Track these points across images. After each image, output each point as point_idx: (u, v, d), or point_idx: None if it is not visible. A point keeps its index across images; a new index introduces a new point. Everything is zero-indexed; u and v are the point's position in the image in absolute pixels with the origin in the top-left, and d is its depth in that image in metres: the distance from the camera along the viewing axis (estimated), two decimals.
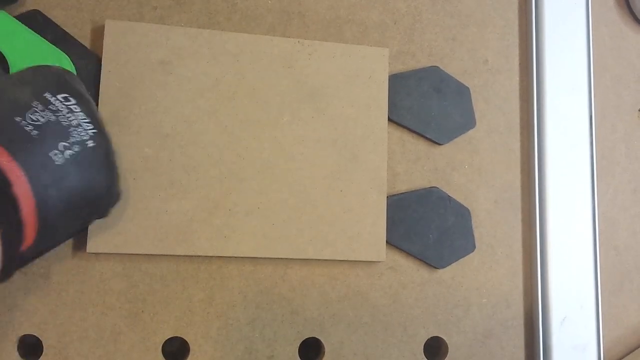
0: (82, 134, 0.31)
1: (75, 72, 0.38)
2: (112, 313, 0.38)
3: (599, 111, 0.48)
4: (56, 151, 0.30)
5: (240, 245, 0.39)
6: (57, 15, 0.40)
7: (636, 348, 0.47)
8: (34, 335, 0.37)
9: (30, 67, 0.33)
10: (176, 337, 0.39)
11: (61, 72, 0.34)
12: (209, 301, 0.39)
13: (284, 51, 0.41)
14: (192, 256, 0.39)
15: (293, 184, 0.40)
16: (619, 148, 0.48)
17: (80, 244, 0.38)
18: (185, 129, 0.39)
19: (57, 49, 0.38)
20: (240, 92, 0.40)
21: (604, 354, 0.45)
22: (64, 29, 0.39)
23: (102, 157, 0.32)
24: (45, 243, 0.32)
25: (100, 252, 0.37)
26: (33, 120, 0.30)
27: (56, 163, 0.30)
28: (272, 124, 0.40)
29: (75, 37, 0.39)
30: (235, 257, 0.40)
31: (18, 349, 0.37)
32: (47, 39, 0.38)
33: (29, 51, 0.37)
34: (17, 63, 0.37)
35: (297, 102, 0.41)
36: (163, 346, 0.39)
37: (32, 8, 0.39)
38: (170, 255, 0.39)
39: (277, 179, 0.40)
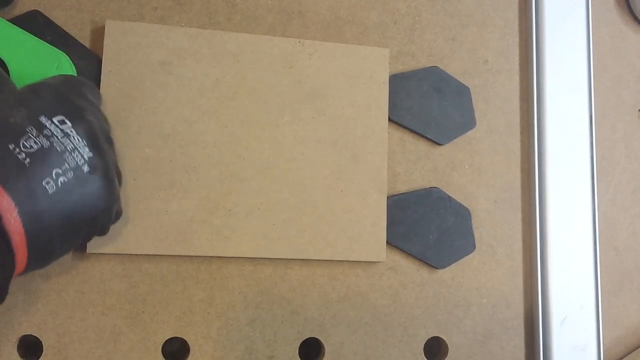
0: (78, 158, 0.30)
1: (75, 73, 0.38)
2: (112, 313, 0.38)
3: (599, 111, 0.48)
4: (49, 179, 0.29)
5: (240, 245, 0.39)
6: (57, 16, 0.40)
7: (636, 348, 0.47)
8: (34, 336, 0.37)
9: (29, 85, 0.32)
10: (176, 337, 0.39)
11: (59, 87, 0.32)
12: (209, 301, 0.39)
13: (284, 51, 0.41)
14: (192, 256, 0.39)
15: (293, 184, 0.40)
16: (619, 148, 0.48)
17: None
18: (186, 129, 0.39)
19: (55, 49, 0.38)
20: (241, 93, 0.40)
21: (604, 354, 0.45)
22: (64, 29, 0.39)
23: (98, 181, 0.31)
24: (40, 265, 0.32)
25: (100, 252, 0.37)
26: (26, 147, 0.29)
27: (49, 192, 0.29)
28: (273, 124, 0.40)
29: (76, 37, 0.39)
30: (236, 257, 0.40)
31: (18, 349, 0.37)
32: (47, 40, 0.38)
33: (28, 54, 0.37)
34: (17, 67, 0.37)
35: (297, 102, 0.41)
36: (163, 346, 0.39)
37: (32, 9, 0.39)
38: (171, 255, 0.39)
39: (277, 179, 0.40)
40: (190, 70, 0.40)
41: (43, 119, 0.30)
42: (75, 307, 0.38)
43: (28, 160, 0.29)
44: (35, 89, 0.32)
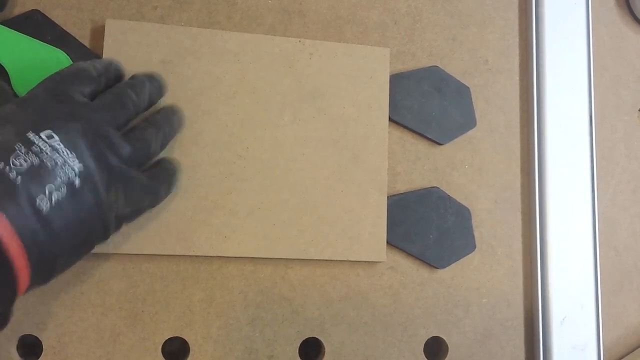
0: (69, 171, 0.30)
1: None
2: (112, 313, 0.38)
3: (599, 111, 0.48)
4: (42, 196, 0.28)
5: (240, 245, 0.39)
6: (57, 15, 0.39)
7: (636, 348, 0.47)
8: (34, 335, 0.37)
9: (16, 99, 0.31)
10: (176, 337, 0.39)
11: (45, 96, 0.31)
12: (209, 301, 0.39)
13: (285, 51, 0.41)
14: (192, 256, 0.39)
15: (294, 184, 0.40)
16: (619, 148, 0.48)
17: None
18: (186, 128, 0.39)
19: (53, 47, 0.38)
20: (241, 92, 0.40)
21: (603, 354, 0.45)
22: (64, 28, 0.39)
23: (90, 191, 0.31)
24: (43, 282, 0.32)
25: (99, 252, 0.37)
26: (16, 165, 0.28)
27: (44, 209, 0.29)
28: (273, 123, 0.40)
29: (76, 36, 0.39)
30: (236, 257, 0.40)
31: (18, 349, 0.37)
32: (47, 39, 0.38)
33: (25, 55, 0.37)
34: (16, 69, 0.36)
35: (298, 101, 0.41)
36: (163, 346, 0.39)
37: (32, 8, 0.39)
38: (170, 255, 0.39)
39: (277, 179, 0.40)
40: (191, 69, 0.40)
41: (30, 134, 0.29)
42: (75, 307, 0.38)
43: (20, 178, 0.28)
44: (22, 103, 0.31)
